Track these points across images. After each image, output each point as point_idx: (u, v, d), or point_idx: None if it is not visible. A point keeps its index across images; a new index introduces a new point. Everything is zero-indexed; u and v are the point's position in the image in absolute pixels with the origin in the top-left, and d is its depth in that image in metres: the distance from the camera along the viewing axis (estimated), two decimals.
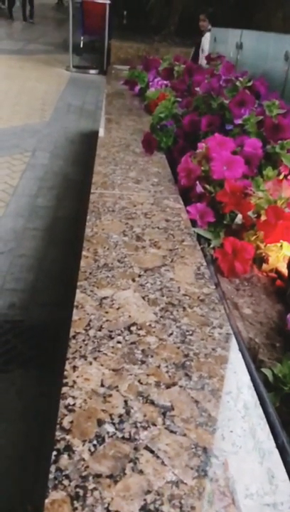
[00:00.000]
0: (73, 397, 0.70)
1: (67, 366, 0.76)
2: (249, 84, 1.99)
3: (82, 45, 9.69)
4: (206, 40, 5.51)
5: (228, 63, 2.53)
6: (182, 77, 2.91)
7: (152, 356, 0.80)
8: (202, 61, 5.19)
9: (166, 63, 3.42)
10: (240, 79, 1.95)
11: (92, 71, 8.21)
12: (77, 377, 0.74)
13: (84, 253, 1.12)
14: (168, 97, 2.43)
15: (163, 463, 0.61)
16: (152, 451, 0.63)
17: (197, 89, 2.11)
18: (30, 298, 2.37)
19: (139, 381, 0.75)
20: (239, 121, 1.74)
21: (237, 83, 1.93)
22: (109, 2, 7.82)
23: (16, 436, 1.67)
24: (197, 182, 1.50)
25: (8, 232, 2.88)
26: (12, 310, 2.26)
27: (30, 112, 5.47)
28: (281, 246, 1.20)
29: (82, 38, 9.72)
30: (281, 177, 1.39)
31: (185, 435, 0.66)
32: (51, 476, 0.58)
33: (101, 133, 2.19)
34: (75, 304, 0.92)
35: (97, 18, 8.40)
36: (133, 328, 0.87)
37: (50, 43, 11.08)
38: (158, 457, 0.62)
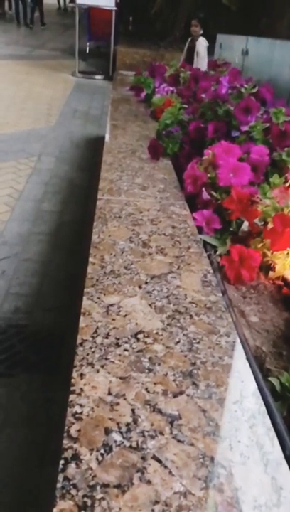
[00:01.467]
0: (80, 405, 0.70)
1: (75, 374, 0.76)
2: (254, 90, 1.99)
3: (88, 51, 9.76)
4: (200, 45, 5.59)
5: (234, 70, 2.54)
6: (188, 83, 2.92)
7: (159, 364, 0.80)
8: (198, 65, 5.24)
9: (172, 69, 3.44)
10: (245, 86, 1.96)
11: (98, 76, 8.26)
12: (85, 385, 0.74)
13: (90, 259, 1.13)
14: (174, 103, 2.44)
15: (170, 473, 0.61)
16: (160, 461, 0.63)
17: (204, 95, 2.11)
18: (35, 302, 2.38)
19: (146, 389, 0.74)
20: (245, 128, 1.74)
21: (242, 90, 1.94)
22: (115, 8, 7.88)
23: (20, 442, 1.67)
24: (204, 189, 1.51)
25: (13, 237, 2.89)
26: (17, 314, 2.27)
27: (37, 116, 5.51)
28: (288, 254, 1.20)
29: (88, 43, 9.78)
30: (288, 184, 1.39)
31: (192, 445, 0.66)
32: (59, 485, 0.58)
33: (108, 139, 2.20)
34: (82, 310, 0.92)
35: (103, 24, 8.46)
36: (140, 336, 0.87)
37: (57, 48, 11.16)
38: (165, 467, 0.62)
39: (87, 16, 9.17)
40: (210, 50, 6.91)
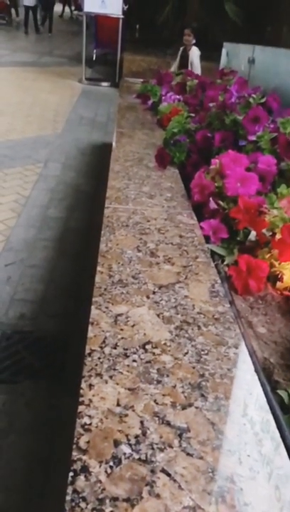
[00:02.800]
0: (89, 417, 0.70)
1: (83, 384, 0.76)
2: (263, 100, 2.00)
3: (94, 58, 9.83)
4: (194, 55, 5.73)
5: (241, 79, 2.55)
6: (194, 92, 2.94)
7: (167, 376, 0.80)
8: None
9: (179, 78, 3.46)
10: (253, 95, 1.97)
11: (104, 83, 8.32)
12: (93, 395, 0.74)
13: (98, 268, 1.13)
14: (181, 111, 2.46)
15: (180, 487, 0.61)
16: (169, 474, 0.62)
17: (211, 104, 2.12)
18: (39, 309, 2.38)
19: (155, 401, 0.74)
20: (253, 138, 1.75)
21: (250, 100, 1.95)
22: (122, 16, 7.95)
23: (24, 449, 1.67)
24: (211, 198, 1.51)
25: (19, 243, 2.90)
26: (22, 320, 2.27)
27: (43, 123, 5.55)
28: None
29: (94, 51, 9.86)
30: None
31: (201, 458, 0.66)
32: (68, 497, 0.58)
33: (115, 147, 2.21)
34: (90, 320, 0.93)
35: (110, 31, 8.53)
36: (148, 347, 0.87)
37: (64, 55, 11.26)
38: (175, 481, 0.62)
39: (94, 23, 9.26)
40: (216, 59, 6.95)
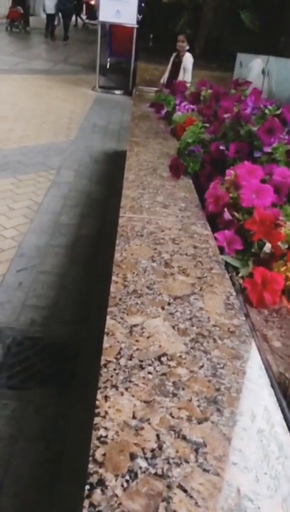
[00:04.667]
0: (105, 429, 0.70)
1: (99, 396, 0.76)
2: (278, 112, 2.00)
3: (108, 66, 9.93)
4: (188, 61, 5.79)
5: (256, 90, 2.55)
6: (208, 102, 2.95)
7: (183, 389, 0.80)
8: (184, 79, 5.44)
9: (193, 87, 3.47)
10: (269, 107, 1.97)
11: (118, 92, 8.39)
12: (109, 407, 0.74)
13: (113, 278, 1.13)
14: (195, 121, 2.46)
15: (196, 503, 0.60)
16: (185, 490, 0.62)
17: (226, 115, 2.13)
18: (50, 315, 2.39)
19: (171, 414, 0.74)
20: (268, 150, 1.75)
21: (266, 111, 1.95)
22: (136, 26, 8.03)
23: (33, 456, 1.66)
24: (226, 209, 1.51)
25: (31, 249, 2.92)
26: (33, 326, 2.28)
27: (57, 130, 5.60)
28: None
29: (108, 59, 9.96)
30: None
31: (218, 474, 0.65)
32: (84, 511, 0.57)
33: (129, 156, 2.22)
34: (106, 330, 0.93)
35: (125, 40, 8.62)
36: (163, 359, 0.86)
37: (78, 63, 11.39)
38: (191, 497, 0.61)
39: (108, 32, 9.37)
40: (230, 68, 6.97)
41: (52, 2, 14.64)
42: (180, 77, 5.66)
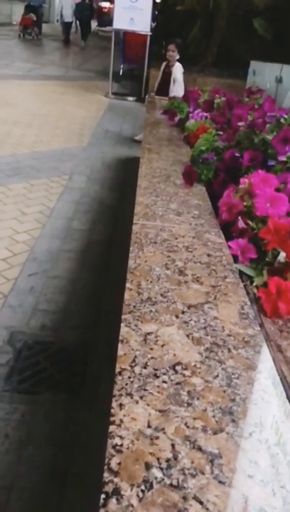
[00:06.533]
0: (121, 437, 0.69)
1: (114, 404, 0.76)
2: None
3: (121, 73, 10.01)
4: (178, 71, 5.54)
5: (270, 98, 2.55)
6: (222, 109, 2.95)
7: (198, 399, 0.79)
8: (175, 91, 5.24)
9: (206, 95, 3.48)
10: (285, 116, 1.97)
11: (130, 98, 8.45)
12: (124, 416, 0.74)
13: (127, 285, 1.13)
14: (208, 129, 2.47)
15: None
16: (201, 502, 0.61)
17: (240, 124, 2.13)
18: (61, 320, 2.40)
19: (186, 424, 0.74)
20: (282, 158, 1.74)
21: (282, 120, 1.95)
22: (150, 33, 8.09)
23: (42, 461, 1.66)
24: (239, 217, 1.50)
25: (43, 253, 2.94)
26: (43, 331, 2.29)
27: (69, 136, 5.65)
28: None
29: (122, 66, 10.05)
30: None
31: (234, 487, 0.64)
32: None
33: (142, 162, 2.23)
34: (120, 338, 0.93)
35: (138, 47, 8.70)
36: (178, 368, 0.86)
37: (91, 69, 11.50)
38: (207, 509, 0.61)
39: (122, 40, 9.46)
40: (242, 76, 6.99)
41: (69, 11, 15.32)
42: (171, 88, 5.44)
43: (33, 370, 2.04)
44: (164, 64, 5.78)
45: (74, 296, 2.59)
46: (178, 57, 5.60)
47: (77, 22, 16.16)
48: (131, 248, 1.34)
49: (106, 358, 2.05)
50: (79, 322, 2.40)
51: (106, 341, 2.21)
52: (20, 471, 1.60)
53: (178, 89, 5.42)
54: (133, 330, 0.96)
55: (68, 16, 15.48)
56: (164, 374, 0.84)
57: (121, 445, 0.68)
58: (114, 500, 0.60)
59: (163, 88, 5.48)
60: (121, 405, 0.76)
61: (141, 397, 0.78)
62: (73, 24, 16.63)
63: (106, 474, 0.63)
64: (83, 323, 2.40)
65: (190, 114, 3.08)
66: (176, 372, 0.85)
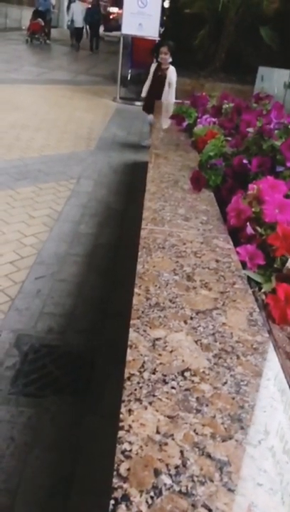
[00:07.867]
0: (130, 443, 0.69)
1: (123, 409, 0.76)
2: None
3: (129, 78, 10.06)
4: (172, 75, 5.42)
5: (278, 104, 2.55)
6: (230, 115, 2.96)
7: (207, 405, 0.79)
8: (170, 95, 5.21)
9: (214, 100, 3.49)
10: None
11: (138, 103, 8.46)
12: (133, 421, 0.74)
13: (136, 290, 1.14)
14: (217, 134, 2.47)
15: None
16: (210, 510, 0.61)
17: (250, 129, 2.13)
18: (67, 323, 2.40)
19: (195, 431, 0.74)
20: None
21: None
22: (158, 38, 8.13)
23: (48, 464, 1.66)
24: (248, 223, 1.50)
25: (50, 257, 2.95)
26: (50, 334, 2.30)
27: (77, 140, 5.68)
28: None
29: (129, 70, 10.09)
30: None
31: (243, 495, 0.64)
32: None
33: (150, 167, 2.24)
34: (129, 343, 0.93)
35: (146, 52, 8.71)
36: (187, 374, 0.86)
37: (99, 74, 11.57)
38: None
39: (130, 44, 9.51)
40: (250, 81, 7.00)
41: (80, 16, 15.60)
42: (165, 93, 5.32)
43: (39, 373, 2.05)
44: (154, 66, 5.58)
45: (80, 299, 2.60)
46: (170, 60, 5.45)
47: (87, 27, 16.33)
48: (139, 253, 1.34)
49: (112, 362, 2.05)
50: (86, 325, 2.41)
51: (112, 345, 2.21)
52: (25, 474, 1.60)
53: (172, 92, 5.35)
54: (142, 335, 0.97)
55: (79, 22, 15.75)
56: (173, 380, 0.84)
57: (130, 451, 0.68)
58: (123, 506, 0.60)
59: (155, 91, 5.34)
60: (130, 411, 0.76)
61: (150, 403, 0.78)
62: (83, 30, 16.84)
63: (115, 480, 0.64)
64: (89, 326, 2.40)
65: (198, 120, 3.09)
66: (185, 378, 0.85)
